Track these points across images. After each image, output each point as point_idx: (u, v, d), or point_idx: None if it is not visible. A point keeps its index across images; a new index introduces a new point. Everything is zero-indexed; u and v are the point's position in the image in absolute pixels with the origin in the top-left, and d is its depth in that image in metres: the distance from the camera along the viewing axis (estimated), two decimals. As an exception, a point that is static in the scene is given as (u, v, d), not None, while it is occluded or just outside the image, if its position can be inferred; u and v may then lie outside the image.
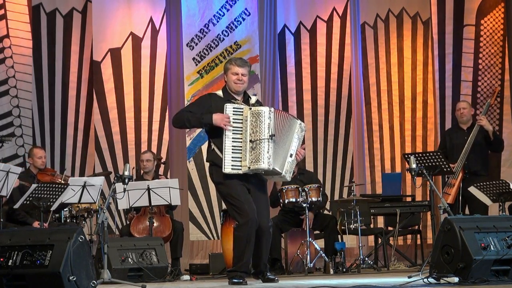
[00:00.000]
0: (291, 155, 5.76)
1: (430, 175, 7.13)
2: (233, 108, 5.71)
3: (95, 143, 9.53)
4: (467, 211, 8.03)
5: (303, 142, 6.13)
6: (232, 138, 5.66)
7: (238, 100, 5.85)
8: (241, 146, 5.64)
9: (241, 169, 5.63)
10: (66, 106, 9.65)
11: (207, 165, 9.52)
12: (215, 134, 5.76)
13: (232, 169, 5.63)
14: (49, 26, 9.64)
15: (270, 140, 5.59)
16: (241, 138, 5.65)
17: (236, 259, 5.77)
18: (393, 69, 10.25)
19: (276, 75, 10.08)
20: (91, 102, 9.65)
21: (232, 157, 5.64)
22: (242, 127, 5.66)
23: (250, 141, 5.61)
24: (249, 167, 5.60)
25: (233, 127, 5.67)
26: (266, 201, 5.95)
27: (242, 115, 5.69)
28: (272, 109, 5.70)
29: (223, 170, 5.64)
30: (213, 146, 5.80)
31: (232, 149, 5.64)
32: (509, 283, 4.78)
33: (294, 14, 10.09)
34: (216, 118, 5.66)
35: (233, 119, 5.68)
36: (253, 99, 5.94)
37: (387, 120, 10.17)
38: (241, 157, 5.63)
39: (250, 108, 5.70)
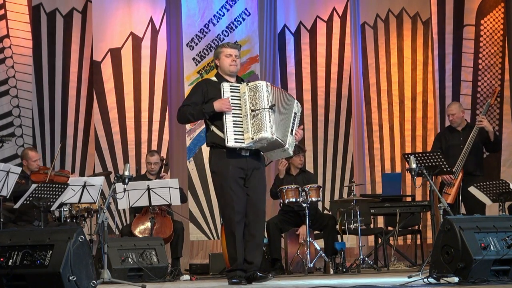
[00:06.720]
0: (291, 131, 5.76)
1: (430, 175, 7.13)
2: (230, 86, 5.75)
3: (95, 143, 9.52)
4: (463, 212, 8.03)
5: (302, 123, 6.11)
6: (232, 114, 5.66)
7: (232, 82, 5.86)
8: (241, 121, 5.64)
9: (244, 142, 5.62)
10: (66, 106, 9.64)
11: (207, 164, 9.63)
12: (215, 117, 5.75)
13: (235, 141, 5.61)
14: (49, 26, 9.64)
15: (270, 110, 5.60)
16: (241, 113, 5.66)
17: (231, 258, 5.77)
18: (393, 69, 10.24)
19: (276, 75, 10.08)
20: (91, 102, 9.65)
21: (234, 131, 5.63)
22: (240, 103, 5.68)
23: (252, 110, 5.61)
24: (252, 138, 5.58)
25: (232, 103, 5.67)
26: (263, 194, 5.88)
27: (239, 92, 5.72)
28: (269, 83, 5.75)
29: (226, 144, 5.61)
30: (212, 128, 5.77)
31: (233, 124, 5.63)
32: (509, 283, 4.78)
33: (294, 14, 10.09)
34: (217, 104, 5.66)
35: (231, 96, 5.69)
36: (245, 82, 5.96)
37: (387, 120, 10.17)
38: (243, 131, 5.63)
39: (247, 84, 5.75)
